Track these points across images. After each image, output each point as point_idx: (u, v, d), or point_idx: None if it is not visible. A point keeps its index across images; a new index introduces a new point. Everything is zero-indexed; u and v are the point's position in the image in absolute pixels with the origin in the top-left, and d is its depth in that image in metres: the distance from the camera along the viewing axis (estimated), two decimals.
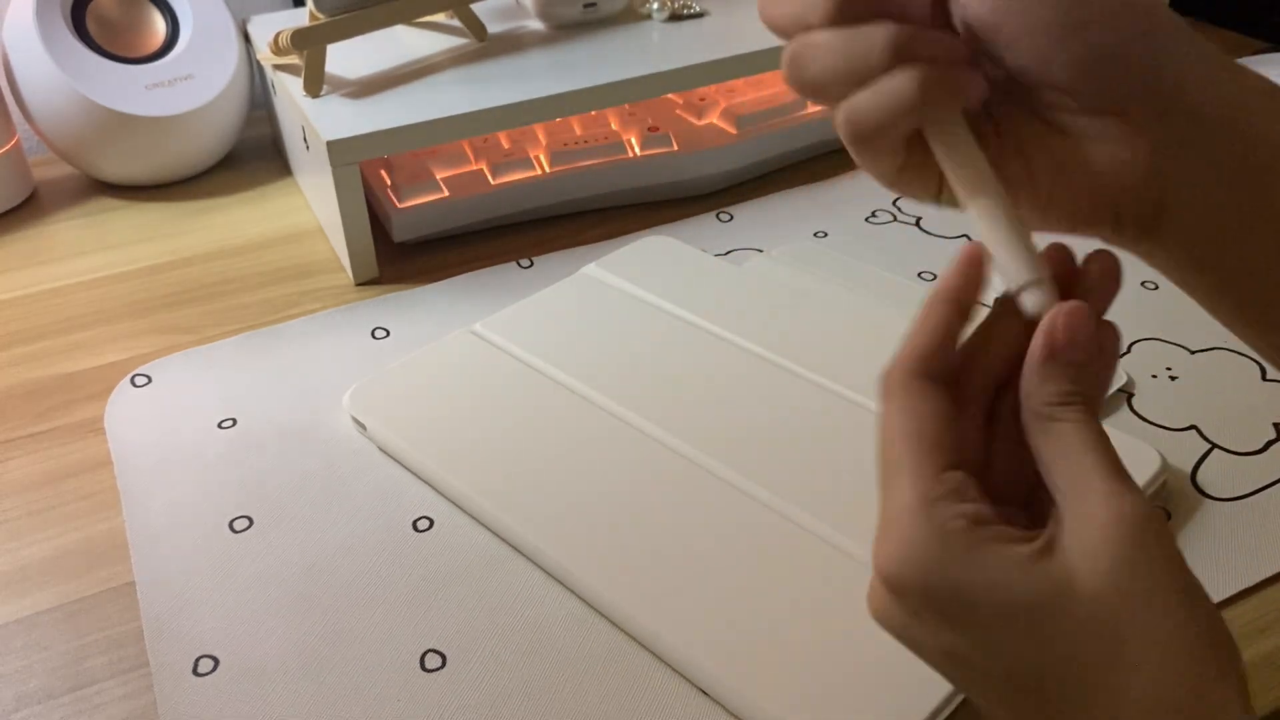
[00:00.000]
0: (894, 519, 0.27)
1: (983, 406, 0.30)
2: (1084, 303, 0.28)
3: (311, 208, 0.65)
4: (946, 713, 0.33)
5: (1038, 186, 0.31)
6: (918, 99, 0.28)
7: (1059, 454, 0.27)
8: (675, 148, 0.64)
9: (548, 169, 0.62)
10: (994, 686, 0.26)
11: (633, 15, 0.67)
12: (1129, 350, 0.50)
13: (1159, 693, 0.24)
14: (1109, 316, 0.30)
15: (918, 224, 0.61)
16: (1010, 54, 0.29)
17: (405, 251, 0.60)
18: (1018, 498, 0.29)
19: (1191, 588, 0.25)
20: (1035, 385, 0.28)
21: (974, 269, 0.29)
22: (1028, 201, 0.31)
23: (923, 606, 0.27)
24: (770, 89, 0.69)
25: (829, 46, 0.29)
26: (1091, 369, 0.28)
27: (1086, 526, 0.26)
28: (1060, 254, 0.29)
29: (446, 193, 0.60)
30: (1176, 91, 0.29)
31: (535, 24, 0.67)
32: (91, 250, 0.62)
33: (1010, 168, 0.31)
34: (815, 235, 0.60)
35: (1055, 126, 0.30)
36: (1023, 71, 0.29)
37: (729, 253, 0.59)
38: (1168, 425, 0.45)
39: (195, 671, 0.36)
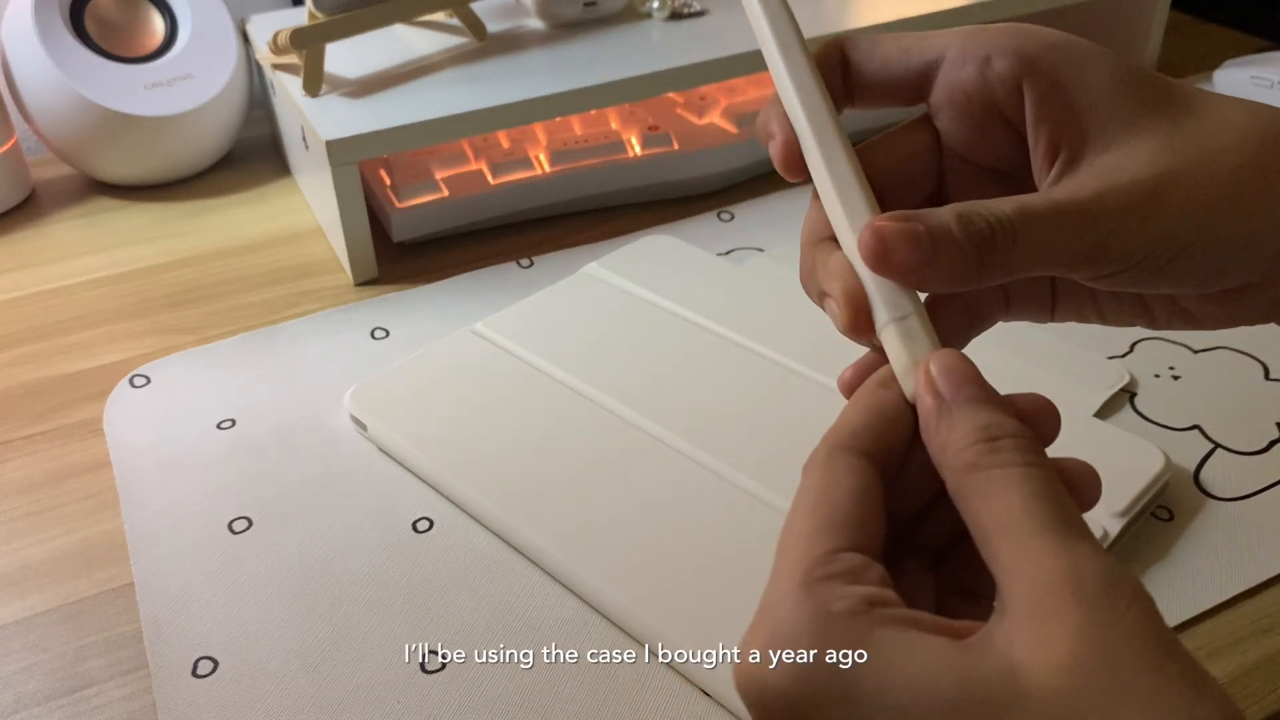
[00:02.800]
0: (761, 612, 0.22)
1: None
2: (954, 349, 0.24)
3: (311, 208, 0.65)
4: None
5: (1157, 319, 0.29)
6: None
7: (989, 512, 0.21)
8: (675, 147, 0.63)
9: (548, 169, 0.62)
10: None
11: (633, 14, 0.67)
12: (1131, 350, 0.50)
13: None
14: None
15: None
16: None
17: (405, 251, 0.60)
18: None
19: (1186, 672, 0.19)
20: (942, 440, 0.23)
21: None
22: (1152, 324, 0.29)
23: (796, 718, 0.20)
24: (771, 88, 0.69)
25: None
26: (1003, 405, 0.23)
27: (1032, 601, 0.19)
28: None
29: (446, 192, 0.60)
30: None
31: (535, 23, 0.67)
32: (90, 250, 0.62)
33: (1121, 306, 0.29)
34: None
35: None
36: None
37: (730, 252, 0.58)
38: (1170, 425, 0.45)
39: (195, 673, 0.36)
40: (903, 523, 0.25)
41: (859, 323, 0.25)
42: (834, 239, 0.27)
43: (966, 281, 0.24)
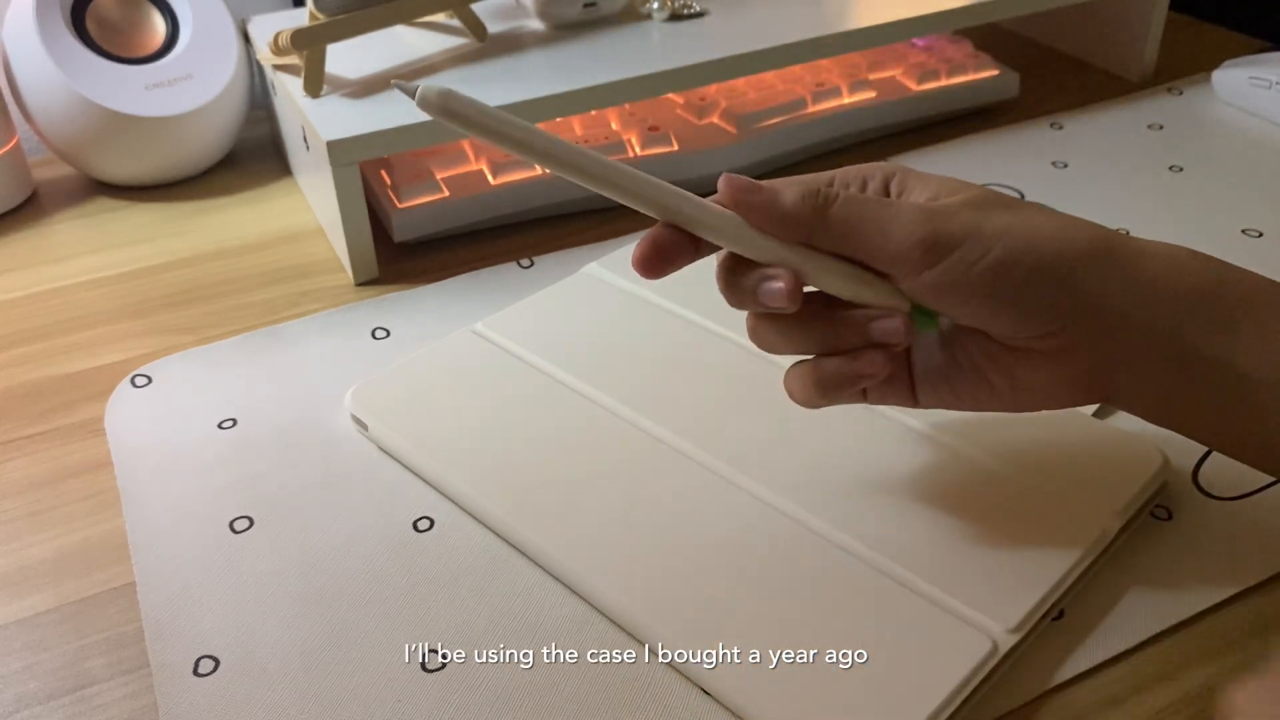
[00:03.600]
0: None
1: None
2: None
3: (311, 208, 0.65)
4: (947, 714, 0.33)
5: (999, 394, 0.36)
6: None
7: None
8: (675, 148, 0.64)
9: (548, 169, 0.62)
10: None
11: (633, 15, 0.67)
12: None
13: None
14: None
15: None
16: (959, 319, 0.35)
17: (405, 251, 0.60)
18: None
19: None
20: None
21: None
22: (996, 401, 0.36)
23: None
24: (771, 88, 0.69)
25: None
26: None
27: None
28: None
29: (446, 192, 0.60)
30: (1106, 318, 0.33)
31: (535, 24, 0.67)
32: (91, 250, 0.62)
33: (968, 383, 0.36)
34: None
35: (1005, 351, 0.35)
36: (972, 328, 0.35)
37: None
38: None
39: (196, 672, 0.36)
40: None
41: (797, 286, 0.34)
42: (740, 264, 0.35)
43: (797, 222, 0.34)
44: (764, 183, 0.34)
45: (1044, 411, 0.44)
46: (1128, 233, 0.58)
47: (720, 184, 0.34)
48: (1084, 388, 0.35)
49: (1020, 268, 0.32)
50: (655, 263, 0.34)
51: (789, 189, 0.34)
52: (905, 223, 0.33)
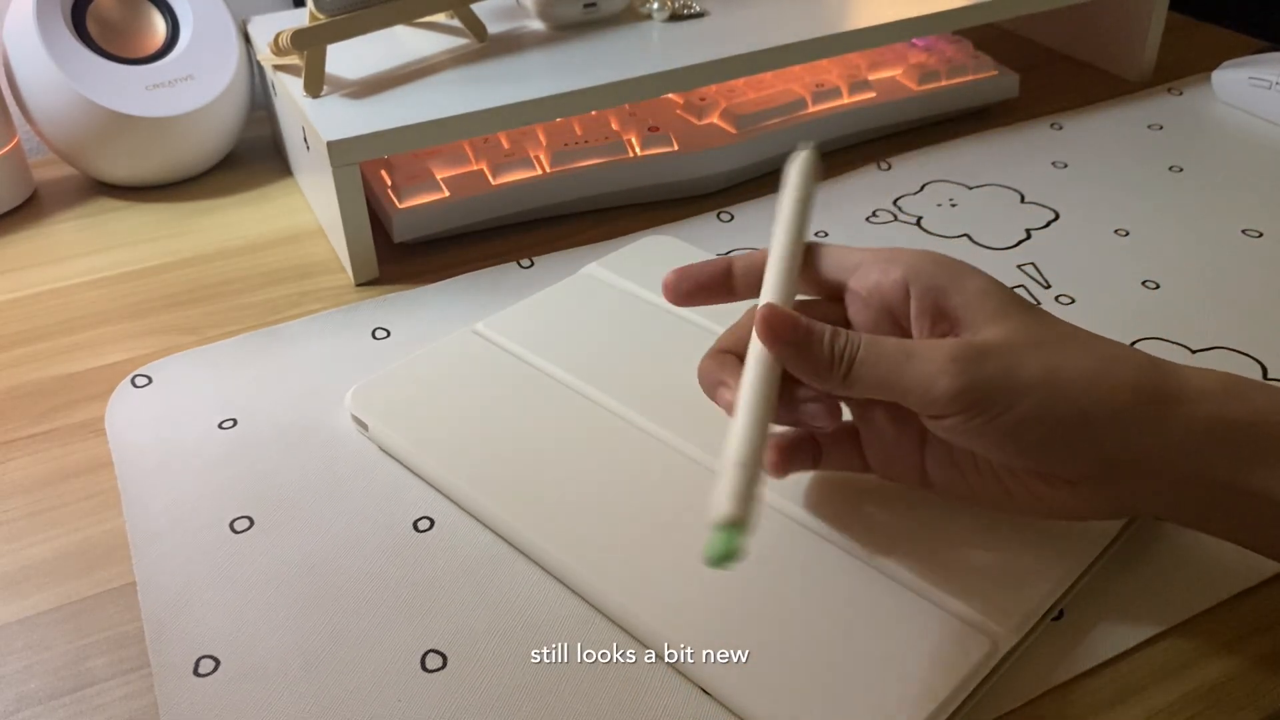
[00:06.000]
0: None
1: None
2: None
3: (312, 208, 0.65)
4: (947, 714, 0.33)
5: (1016, 500, 0.36)
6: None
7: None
8: (675, 148, 0.64)
9: (548, 169, 0.62)
10: None
11: (633, 15, 0.67)
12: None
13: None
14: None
15: (918, 223, 0.61)
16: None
17: (405, 251, 0.60)
18: None
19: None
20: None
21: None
22: (1012, 506, 0.36)
23: None
24: (770, 89, 0.69)
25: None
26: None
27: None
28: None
29: (447, 193, 0.60)
30: (1129, 467, 0.33)
31: (535, 24, 0.67)
32: (92, 251, 0.62)
33: (986, 486, 0.36)
34: (816, 235, 0.60)
35: (1028, 471, 0.35)
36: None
37: (729, 252, 0.59)
38: None
39: (196, 672, 0.36)
40: None
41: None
42: (735, 354, 0.36)
43: (822, 372, 0.34)
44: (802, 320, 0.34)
45: None
46: (1127, 234, 0.59)
47: (758, 324, 0.34)
48: (1108, 509, 0.35)
49: (1045, 424, 0.32)
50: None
51: (824, 330, 0.34)
52: (928, 374, 0.32)
